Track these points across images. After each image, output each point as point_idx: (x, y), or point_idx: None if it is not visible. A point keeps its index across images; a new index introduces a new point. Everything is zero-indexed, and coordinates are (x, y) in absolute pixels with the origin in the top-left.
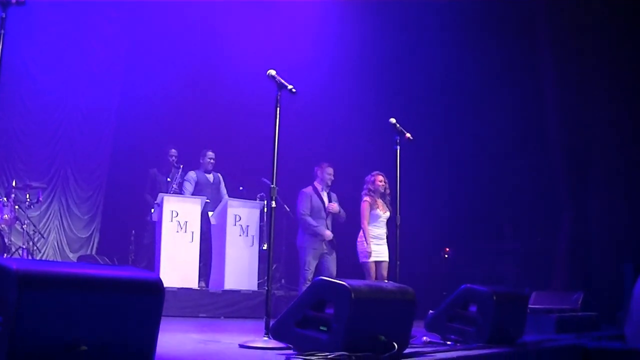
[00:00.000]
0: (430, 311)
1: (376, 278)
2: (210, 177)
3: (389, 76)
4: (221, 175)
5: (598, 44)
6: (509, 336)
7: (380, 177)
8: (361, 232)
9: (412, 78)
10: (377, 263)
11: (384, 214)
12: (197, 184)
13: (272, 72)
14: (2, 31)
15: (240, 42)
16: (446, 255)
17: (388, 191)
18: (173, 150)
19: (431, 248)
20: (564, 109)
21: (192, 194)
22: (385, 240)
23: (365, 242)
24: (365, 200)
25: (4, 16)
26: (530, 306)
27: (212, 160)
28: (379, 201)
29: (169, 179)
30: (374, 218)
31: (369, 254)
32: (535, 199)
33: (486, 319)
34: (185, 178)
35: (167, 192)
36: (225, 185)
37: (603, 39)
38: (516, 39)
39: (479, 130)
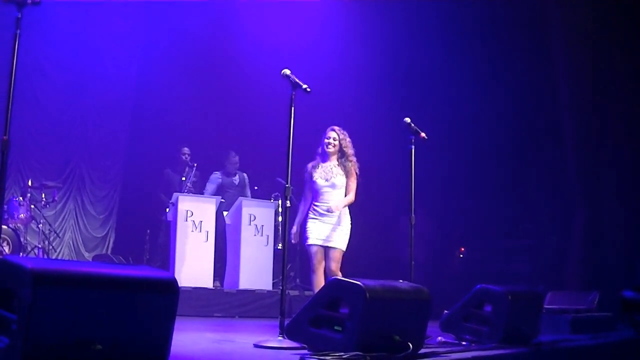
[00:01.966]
0: (445, 311)
1: (324, 271)
2: (236, 178)
3: (402, 75)
4: (247, 175)
5: (612, 39)
6: (524, 336)
7: (330, 133)
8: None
9: (426, 77)
10: (326, 249)
11: (325, 182)
12: (221, 185)
13: (287, 71)
14: (18, 31)
15: (254, 41)
16: (461, 255)
17: (350, 151)
18: (186, 148)
19: (446, 248)
20: (577, 107)
21: (215, 195)
22: (335, 218)
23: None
24: (307, 167)
25: (19, 16)
26: (545, 306)
27: (236, 164)
28: (326, 165)
29: (183, 178)
30: (314, 190)
31: (307, 236)
32: (549, 197)
33: (501, 319)
34: (209, 179)
35: (181, 192)
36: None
37: (618, 32)
38: (529, 36)
39: (493, 129)
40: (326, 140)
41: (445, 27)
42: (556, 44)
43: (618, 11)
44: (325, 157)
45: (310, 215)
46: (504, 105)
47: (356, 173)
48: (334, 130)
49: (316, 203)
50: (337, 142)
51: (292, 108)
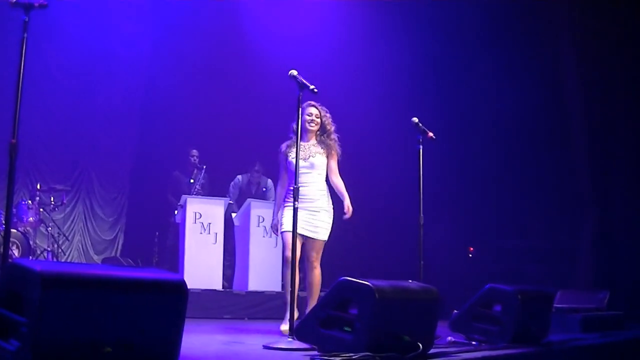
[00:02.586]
0: (455, 311)
1: (301, 259)
2: (261, 184)
3: (410, 74)
4: (272, 181)
5: (623, 38)
6: (534, 336)
7: (311, 109)
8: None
9: (433, 77)
10: (305, 240)
11: (303, 162)
12: (240, 190)
13: (294, 72)
14: (25, 34)
15: (263, 42)
16: (470, 255)
17: (331, 128)
18: (194, 150)
19: (455, 247)
20: (587, 104)
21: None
22: (316, 202)
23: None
24: (281, 147)
25: (26, 19)
26: (555, 305)
27: (258, 173)
28: (304, 144)
29: (191, 180)
30: (290, 171)
31: (282, 222)
32: (558, 195)
33: (511, 318)
34: (232, 184)
35: (189, 194)
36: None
37: (628, 31)
38: (539, 36)
39: (502, 129)
40: (307, 117)
41: (454, 26)
42: (566, 43)
43: (628, 10)
44: (304, 136)
45: (287, 200)
46: (514, 104)
47: (338, 153)
48: (314, 106)
49: (293, 187)
50: (319, 120)
51: (300, 109)
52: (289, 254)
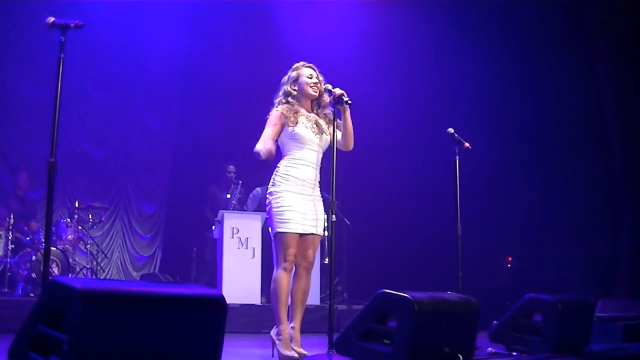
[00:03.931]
0: (494, 322)
1: (297, 262)
2: None
3: (444, 83)
4: None
5: None
6: (575, 345)
7: (310, 71)
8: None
9: (468, 85)
10: (303, 236)
11: (314, 136)
12: (260, 201)
13: (329, 86)
14: (62, 55)
15: (294, 54)
16: (509, 265)
17: (327, 99)
18: (231, 166)
19: (493, 257)
20: (623, 108)
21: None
22: (317, 189)
23: (270, 195)
24: (276, 110)
25: (63, 40)
26: (596, 314)
27: None
28: (310, 115)
29: (228, 195)
30: (294, 143)
31: (279, 220)
32: (596, 203)
33: (551, 328)
34: (252, 196)
35: (227, 209)
36: None
37: None
38: (572, 39)
39: (538, 136)
40: (308, 80)
41: (486, 32)
42: (600, 45)
43: None
44: (301, 104)
45: (281, 184)
46: (549, 110)
47: None
48: (310, 67)
49: (292, 164)
50: (319, 84)
51: (335, 122)
52: (290, 258)
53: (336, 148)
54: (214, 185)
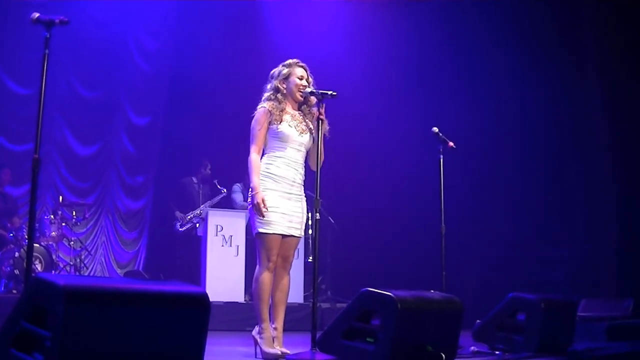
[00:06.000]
0: (478, 320)
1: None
2: None
3: (429, 84)
4: None
5: None
6: (559, 345)
7: (302, 71)
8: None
9: (453, 84)
10: (285, 238)
11: (298, 136)
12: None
13: (308, 88)
14: (47, 51)
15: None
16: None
17: (314, 100)
18: (207, 161)
19: (477, 257)
20: (612, 113)
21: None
22: (301, 189)
23: (250, 193)
24: (263, 107)
25: (48, 36)
26: (579, 314)
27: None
28: (295, 114)
29: (224, 191)
30: (276, 142)
31: (261, 221)
32: (582, 204)
33: (535, 327)
34: (232, 190)
35: (195, 203)
36: None
37: None
38: (561, 39)
39: (524, 136)
40: (298, 82)
41: (473, 31)
42: (588, 46)
43: None
44: (288, 101)
45: (262, 181)
46: (535, 110)
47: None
48: (302, 66)
49: (273, 162)
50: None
51: (319, 121)
52: (273, 258)
53: (320, 147)
54: (189, 177)
